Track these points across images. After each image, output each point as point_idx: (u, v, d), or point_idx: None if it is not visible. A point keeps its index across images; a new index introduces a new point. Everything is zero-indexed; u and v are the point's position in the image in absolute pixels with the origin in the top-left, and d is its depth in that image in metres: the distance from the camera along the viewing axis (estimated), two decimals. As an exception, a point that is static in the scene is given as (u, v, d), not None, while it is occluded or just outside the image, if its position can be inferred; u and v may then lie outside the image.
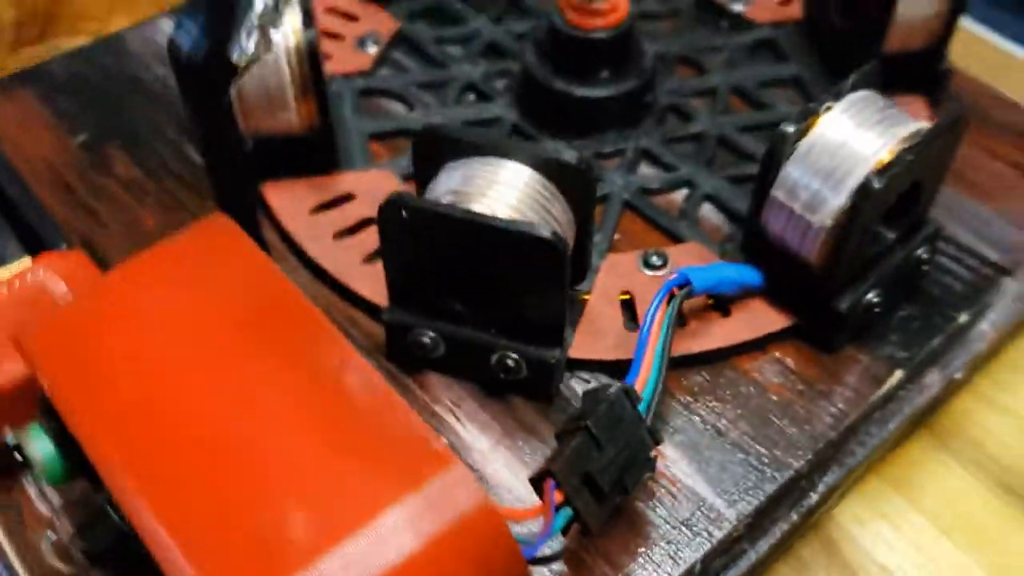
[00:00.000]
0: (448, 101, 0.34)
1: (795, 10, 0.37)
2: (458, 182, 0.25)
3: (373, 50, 0.36)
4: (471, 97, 0.35)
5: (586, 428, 0.22)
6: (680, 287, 0.26)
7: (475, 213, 0.24)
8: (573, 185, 0.26)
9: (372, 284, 0.29)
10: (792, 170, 0.26)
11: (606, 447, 0.22)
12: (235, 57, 0.22)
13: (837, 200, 0.25)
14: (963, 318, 0.29)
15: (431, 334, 0.26)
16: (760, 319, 0.28)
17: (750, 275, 0.28)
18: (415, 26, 0.37)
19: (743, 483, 0.26)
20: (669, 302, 0.26)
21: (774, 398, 0.27)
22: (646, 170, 0.33)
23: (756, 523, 0.25)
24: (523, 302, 0.25)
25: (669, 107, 0.34)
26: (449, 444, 0.26)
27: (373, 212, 0.25)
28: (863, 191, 0.25)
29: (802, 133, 0.26)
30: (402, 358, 0.28)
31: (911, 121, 0.26)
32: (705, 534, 0.25)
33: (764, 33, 0.37)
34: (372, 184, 0.32)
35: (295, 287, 0.22)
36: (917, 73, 0.33)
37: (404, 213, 0.24)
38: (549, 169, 0.25)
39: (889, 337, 0.28)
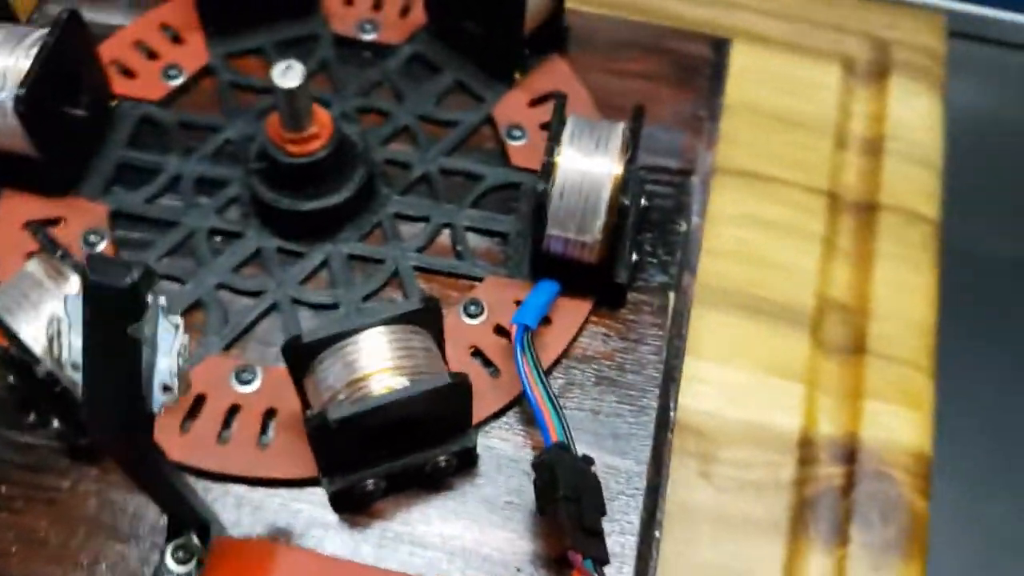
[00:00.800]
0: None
1: (418, 17, 0.42)
2: (344, 374, 0.29)
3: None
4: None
5: (563, 497, 0.29)
6: (524, 333, 0.33)
7: (389, 395, 0.28)
8: (424, 317, 0.31)
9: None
10: (557, 210, 0.33)
11: (580, 497, 0.29)
12: (155, 409, 0.24)
13: (598, 220, 0.33)
14: (683, 226, 0.38)
15: (371, 481, 0.31)
16: (572, 314, 0.35)
17: (551, 288, 0.35)
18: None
19: (635, 440, 0.34)
20: (525, 352, 0.32)
21: (608, 363, 0.35)
22: (406, 230, 0.37)
23: (655, 460, 0.34)
24: (439, 424, 0.31)
25: (385, 162, 0.38)
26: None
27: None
28: (621, 209, 0.32)
29: (549, 179, 0.32)
30: (348, 508, 0.32)
31: (613, 129, 0.33)
32: (632, 492, 0.33)
33: (406, 52, 0.41)
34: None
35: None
36: (547, 38, 0.40)
37: (334, 425, 0.28)
38: (405, 318, 0.30)
39: (650, 272, 0.37)
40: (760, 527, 0.38)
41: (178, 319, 0.24)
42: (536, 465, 0.30)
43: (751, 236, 0.43)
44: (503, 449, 0.33)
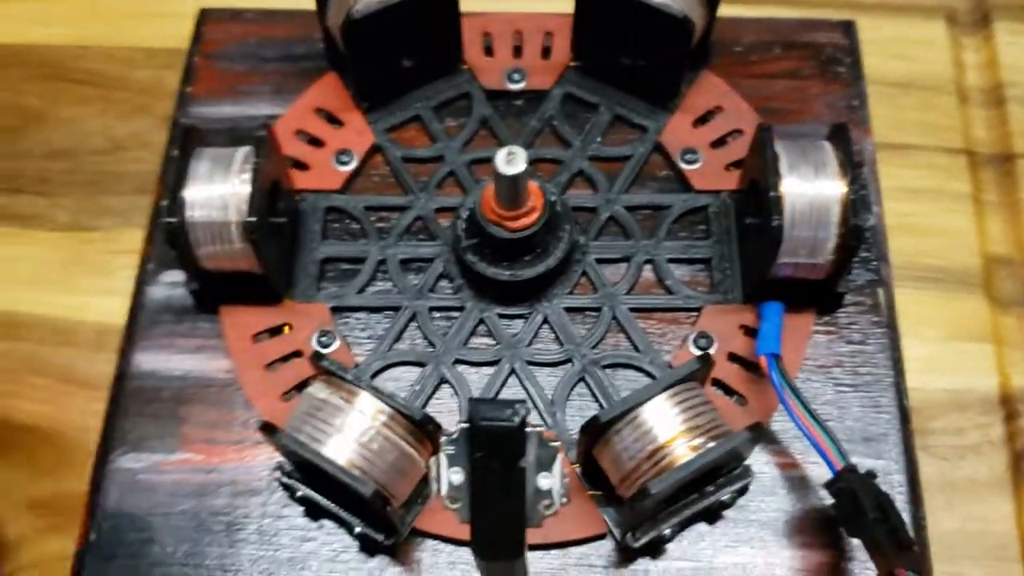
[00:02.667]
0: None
1: (561, 57, 0.42)
2: (644, 442, 0.31)
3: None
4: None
5: (874, 520, 0.30)
6: (776, 364, 0.34)
7: (698, 458, 0.30)
8: (700, 372, 0.32)
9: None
10: (788, 240, 0.34)
11: (887, 515, 0.31)
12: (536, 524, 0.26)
13: (830, 243, 0.34)
14: (870, 219, 0.39)
15: (669, 530, 0.33)
16: (799, 329, 0.37)
17: (778, 310, 0.36)
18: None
19: (886, 439, 0.36)
20: (784, 384, 0.34)
21: (840, 369, 0.37)
22: (610, 272, 0.38)
23: (907, 454, 0.36)
24: (727, 467, 0.32)
25: (572, 209, 0.39)
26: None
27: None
28: (854, 230, 0.33)
29: (779, 213, 0.33)
30: (645, 555, 0.34)
31: (823, 148, 0.35)
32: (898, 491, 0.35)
33: (558, 94, 0.42)
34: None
35: None
36: (697, 55, 0.41)
37: (656, 497, 0.30)
38: (686, 378, 0.31)
39: (855, 271, 0.38)
40: (985, 487, 0.39)
41: (558, 443, 0.25)
42: (835, 493, 0.31)
43: (906, 207, 0.44)
44: (764, 471, 0.35)
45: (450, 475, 0.25)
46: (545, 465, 0.25)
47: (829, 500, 0.34)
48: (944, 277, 0.43)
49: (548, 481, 0.25)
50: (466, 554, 0.34)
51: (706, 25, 0.39)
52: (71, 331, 0.41)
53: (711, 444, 0.30)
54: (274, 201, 0.36)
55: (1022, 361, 0.42)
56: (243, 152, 0.35)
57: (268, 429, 0.31)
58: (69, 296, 0.42)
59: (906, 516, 0.34)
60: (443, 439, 0.25)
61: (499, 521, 0.25)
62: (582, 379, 0.36)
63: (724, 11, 0.42)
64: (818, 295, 0.37)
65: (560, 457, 0.25)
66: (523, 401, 0.24)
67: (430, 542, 0.34)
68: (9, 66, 0.48)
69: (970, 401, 0.41)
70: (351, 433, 0.30)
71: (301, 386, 0.36)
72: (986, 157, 0.46)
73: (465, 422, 0.24)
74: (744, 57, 0.42)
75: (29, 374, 0.41)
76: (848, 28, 0.44)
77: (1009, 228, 0.44)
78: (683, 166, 0.40)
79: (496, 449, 0.24)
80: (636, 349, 0.36)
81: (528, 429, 0.24)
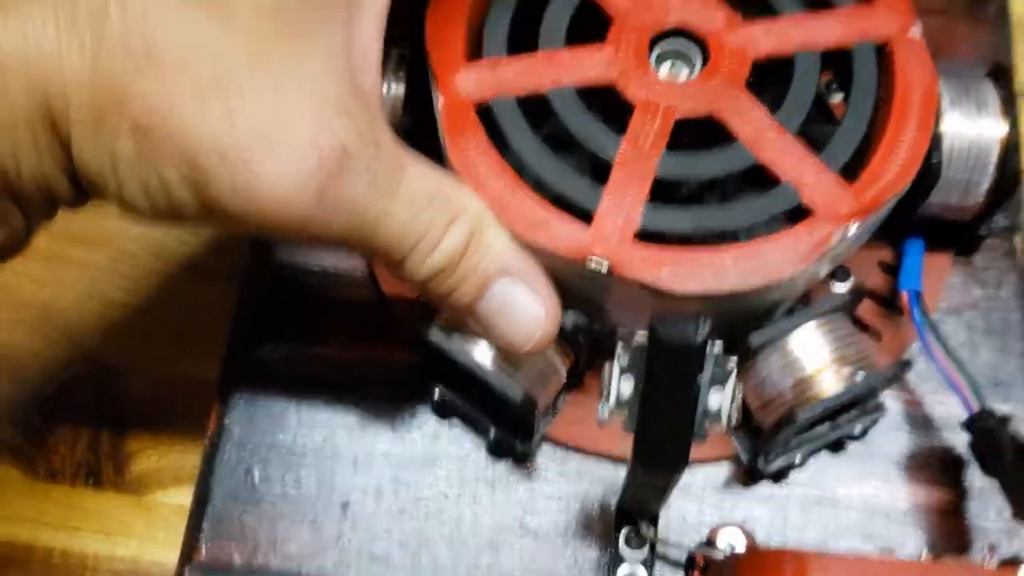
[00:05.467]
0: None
1: None
2: (791, 371, 0.31)
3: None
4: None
5: (1015, 462, 0.31)
6: (919, 301, 0.34)
7: (850, 389, 0.30)
8: (851, 303, 0.32)
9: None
10: (945, 178, 0.33)
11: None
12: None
13: (984, 185, 0.33)
14: (1012, 165, 0.39)
15: (798, 456, 0.33)
16: (936, 270, 0.36)
17: (920, 248, 0.36)
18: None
19: (1016, 385, 0.36)
20: (926, 322, 0.34)
21: (974, 312, 0.37)
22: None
23: None
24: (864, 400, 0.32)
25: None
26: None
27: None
28: (1012, 176, 0.33)
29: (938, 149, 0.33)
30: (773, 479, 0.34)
31: (986, 87, 0.34)
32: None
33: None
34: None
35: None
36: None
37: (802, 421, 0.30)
38: (839, 309, 0.32)
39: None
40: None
41: (733, 361, 0.25)
42: (976, 433, 0.32)
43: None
44: (892, 407, 0.35)
45: (620, 384, 0.25)
46: (719, 382, 0.25)
47: (953, 440, 0.34)
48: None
49: (719, 399, 0.25)
50: (594, 464, 0.35)
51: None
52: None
53: (861, 375, 0.30)
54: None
55: None
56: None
57: (418, 325, 0.31)
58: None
59: (1034, 462, 0.34)
60: (619, 347, 0.25)
61: (668, 434, 0.25)
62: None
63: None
64: (959, 236, 0.36)
65: (734, 377, 0.25)
66: (704, 318, 0.24)
67: (559, 451, 0.35)
68: None
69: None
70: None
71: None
72: None
73: (647, 334, 0.24)
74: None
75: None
76: (998, -31, 0.42)
77: None
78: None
79: (675, 364, 0.24)
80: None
81: (709, 347, 0.24)
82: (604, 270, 0.29)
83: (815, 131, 0.31)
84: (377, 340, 0.36)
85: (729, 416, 0.25)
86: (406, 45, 0.33)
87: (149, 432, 0.40)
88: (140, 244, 0.43)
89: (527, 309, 0.28)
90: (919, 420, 0.35)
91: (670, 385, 0.24)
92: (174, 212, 0.26)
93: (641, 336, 0.24)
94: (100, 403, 0.40)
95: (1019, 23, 0.44)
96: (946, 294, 0.37)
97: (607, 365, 0.25)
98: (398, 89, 0.33)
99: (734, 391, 0.25)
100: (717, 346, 0.25)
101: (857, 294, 0.32)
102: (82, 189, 0.26)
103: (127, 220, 0.27)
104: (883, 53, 0.32)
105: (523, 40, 0.32)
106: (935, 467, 0.35)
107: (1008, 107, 0.33)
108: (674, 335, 0.24)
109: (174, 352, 0.41)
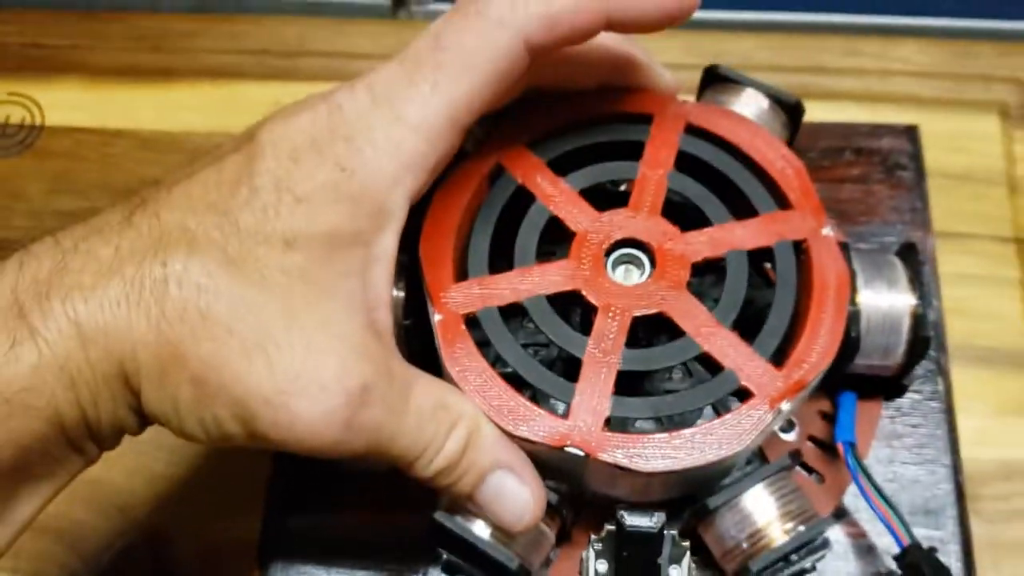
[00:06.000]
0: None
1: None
2: (744, 526, 0.37)
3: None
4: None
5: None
6: (852, 451, 0.40)
7: (793, 540, 0.36)
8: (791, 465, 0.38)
9: None
10: (865, 346, 0.39)
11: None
12: None
13: (901, 347, 0.39)
14: (932, 314, 0.45)
15: None
16: (869, 416, 0.42)
17: (852, 399, 0.42)
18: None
19: (944, 512, 0.41)
20: (859, 469, 0.40)
21: (903, 448, 0.43)
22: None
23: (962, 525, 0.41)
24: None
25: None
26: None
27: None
28: (922, 340, 0.39)
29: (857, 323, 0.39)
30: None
31: (893, 263, 0.40)
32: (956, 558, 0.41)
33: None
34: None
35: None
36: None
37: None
38: (781, 470, 0.37)
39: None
40: (1028, 548, 0.45)
41: (686, 543, 0.31)
42: (904, 567, 0.37)
43: (959, 293, 0.50)
44: (838, 540, 0.41)
45: (597, 565, 0.31)
46: (676, 560, 0.31)
47: (891, 566, 0.40)
48: (994, 357, 0.49)
49: (677, 573, 0.31)
50: (585, 610, 0.40)
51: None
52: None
53: (802, 528, 0.36)
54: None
55: (1064, 435, 0.47)
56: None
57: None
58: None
59: (962, 580, 0.40)
60: (592, 537, 0.31)
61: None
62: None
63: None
64: (886, 385, 0.42)
65: (688, 554, 0.31)
66: (661, 512, 0.30)
67: (554, 600, 0.40)
68: (167, 151, 0.54)
69: (1017, 470, 0.46)
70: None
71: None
72: (1033, 245, 0.51)
73: (613, 525, 0.30)
74: (818, 162, 0.48)
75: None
76: (912, 134, 0.49)
77: (1054, 313, 0.50)
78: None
79: (639, 548, 0.30)
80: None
81: (666, 532, 0.30)
82: (582, 456, 0.35)
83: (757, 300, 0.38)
84: (391, 508, 0.42)
85: (686, 585, 0.31)
86: (404, 255, 0.40)
87: (199, 592, 0.45)
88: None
89: (517, 496, 0.34)
90: (863, 549, 0.41)
91: (636, 565, 0.30)
92: (225, 440, 0.32)
93: (610, 526, 0.30)
94: (154, 567, 0.46)
95: (931, 172, 0.51)
96: (879, 433, 0.43)
97: (582, 554, 0.31)
98: (398, 295, 0.39)
99: (690, 567, 0.31)
100: (673, 530, 0.31)
101: (795, 457, 0.37)
102: (147, 422, 0.33)
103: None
104: (800, 250, 0.38)
105: (500, 259, 0.38)
106: (875, 592, 0.40)
107: (915, 283, 0.39)
108: (637, 525, 0.29)
109: (216, 518, 0.46)
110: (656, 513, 0.29)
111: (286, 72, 0.57)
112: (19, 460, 0.30)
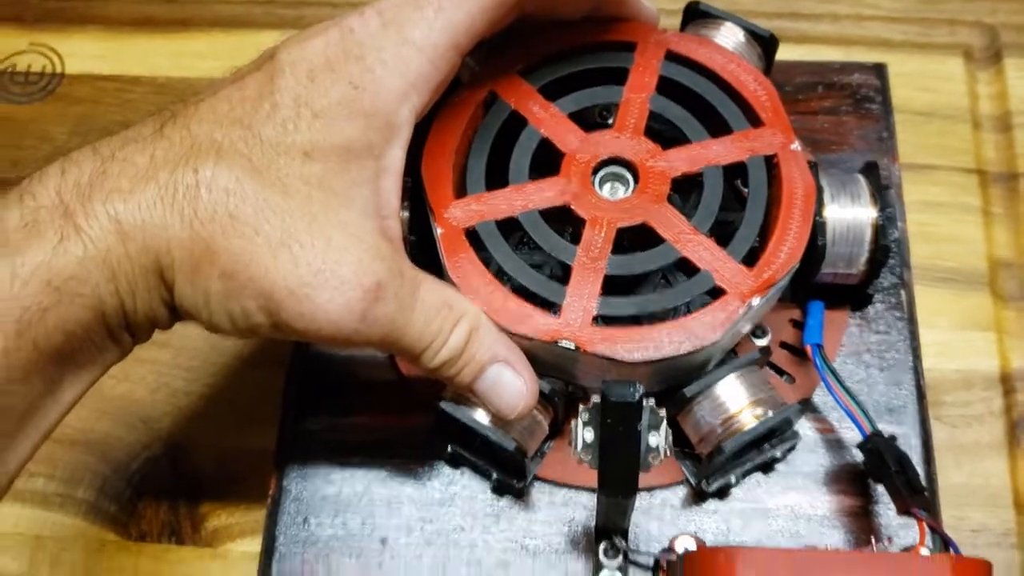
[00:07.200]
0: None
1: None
2: (719, 413, 0.40)
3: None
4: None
5: (895, 472, 0.40)
6: (820, 352, 0.44)
7: (762, 423, 0.40)
8: (762, 358, 0.42)
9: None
10: (830, 256, 0.43)
11: (905, 469, 0.40)
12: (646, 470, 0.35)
13: (863, 257, 0.43)
14: (895, 233, 0.49)
15: (734, 477, 0.43)
16: (837, 323, 0.46)
17: (820, 307, 0.45)
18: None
19: (906, 410, 0.45)
20: (826, 367, 0.43)
21: (870, 354, 0.46)
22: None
23: (923, 423, 0.45)
24: (780, 430, 0.42)
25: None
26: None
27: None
28: (883, 248, 0.42)
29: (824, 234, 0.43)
30: (717, 497, 0.44)
31: (858, 181, 0.44)
32: (916, 451, 0.44)
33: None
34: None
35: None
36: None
37: (729, 454, 0.39)
38: (753, 362, 0.41)
39: (883, 275, 0.48)
40: (986, 449, 0.49)
41: (663, 412, 0.35)
42: (866, 451, 0.41)
43: (926, 218, 0.53)
44: (808, 434, 0.45)
45: (584, 434, 0.35)
46: (654, 427, 0.35)
47: (860, 457, 0.43)
48: (956, 277, 0.52)
49: (656, 439, 0.35)
50: (575, 495, 0.44)
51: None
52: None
53: (770, 413, 0.40)
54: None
55: (1019, 347, 0.51)
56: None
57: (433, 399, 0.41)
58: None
59: (921, 471, 0.43)
60: (580, 407, 0.35)
61: (620, 468, 0.34)
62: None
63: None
64: (852, 296, 0.46)
65: (664, 422, 0.35)
66: (639, 382, 0.33)
67: (548, 487, 0.44)
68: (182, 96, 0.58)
69: (975, 379, 0.50)
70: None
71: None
72: (994, 176, 0.55)
73: (599, 397, 0.33)
74: (793, 96, 0.52)
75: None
76: (880, 70, 0.53)
77: (1012, 237, 0.53)
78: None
79: (620, 416, 0.33)
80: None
81: (645, 403, 0.34)
82: (572, 348, 0.38)
83: (730, 214, 0.41)
84: (399, 410, 0.46)
85: (664, 451, 0.35)
86: (408, 178, 0.43)
87: (219, 496, 0.49)
88: (197, 342, 0.52)
89: (512, 386, 0.38)
90: (831, 443, 0.45)
91: (619, 432, 0.34)
92: (251, 331, 0.35)
93: (596, 397, 0.34)
94: (176, 475, 0.49)
95: (900, 109, 0.54)
96: (847, 340, 0.46)
97: (573, 420, 0.35)
98: (404, 214, 0.43)
99: (666, 433, 0.35)
100: (651, 401, 0.34)
101: (765, 352, 0.41)
102: (177, 316, 0.36)
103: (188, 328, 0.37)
104: (771, 164, 0.42)
105: (496, 178, 0.42)
106: (845, 479, 0.44)
107: (876, 196, 0.43)
108: (619, 396, 0.33)
109: (234, 429, 0.50)
110: (636, 384, 0.32)
111: (292, 20, 0.60)
112: (66, 346, 0.33)
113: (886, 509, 0.43)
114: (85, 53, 0.60)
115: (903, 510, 0.40)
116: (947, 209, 0.54)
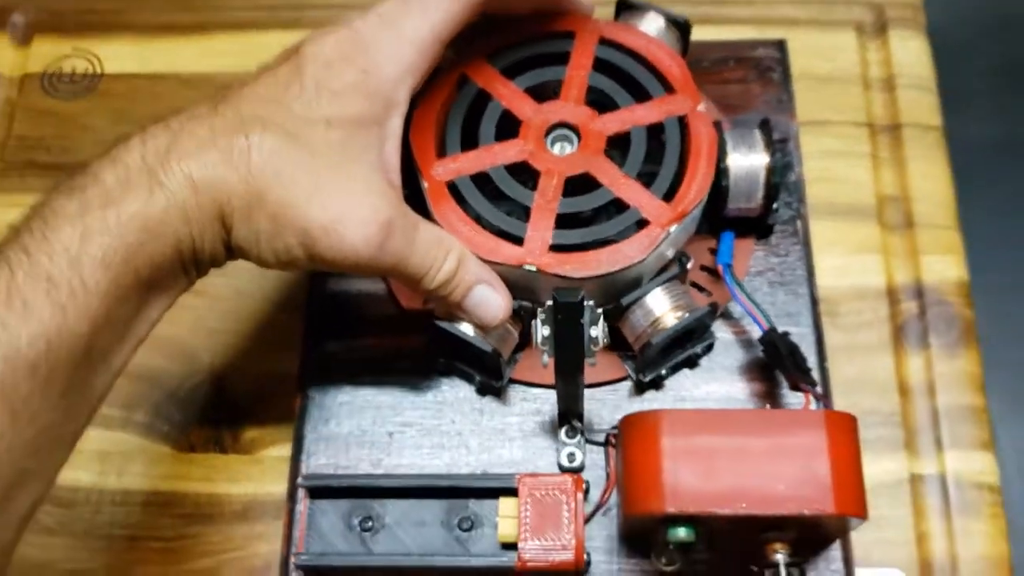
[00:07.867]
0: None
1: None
2: (650, 316, 0.52)
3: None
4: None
5: (787, 354, 0.51)
6: (729, 269, 0.55)
7: (682, 321, 0.51)
8: (681, 275, 0.53)
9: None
10: (734, 194, 0.55)
11: (794, 353, 0.52)
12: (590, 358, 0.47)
13: (759, 193, 0.55)
14: (793, 175, 0.60)
15: (664, 371, 0.54)
16: (745, 249, 0.58)
17: (731, 236, 0.57)
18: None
19: (801, 315, 0.57)
20: (733, 280, 0.55)
21: (772, 273, 0.58)
22: (626, 218, 0.60)
23: (815, 324, 0.57)
24: (697, 331, 0.54)
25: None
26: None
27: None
28: (774, 186, 0.54)
29: (727, 176, 0.54)
30: (652, 388, 0.55)
31: (754, 134, 0.55)
32: (808, 344, 0.56)
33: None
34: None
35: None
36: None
37: (658, 346, 0.51)
38: (674, 278, 0.53)
39: (782, 209, 0.59)
40: (875, 348, 0.60)
41: (600, 311, 0.46)
42: (764, 343, 0.53)
43: (825, 164, 0.64)
44: (724, 336, 0.56)
45: (542, 330, 0.46)
46: (594, 322, 0.46)
47: (760, 352, 0.55)
48: (851, 211, 0.64)
49: (596, 331, 0.46)
50: (542, 393, 0.55)
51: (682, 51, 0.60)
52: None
53: (687, 315, 0.51)
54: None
55: (902, 266, 0.62)
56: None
57: (428, 322, 0.52)
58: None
59: (815, 363, 0.55)
60: (538, 310, 0.46)
61: (570, 353, 0.46)
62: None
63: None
64: (757, 227, 0.58)
65: (601, 318, 0.46)
66: (582, 289, 0.45)
67: (520, 387, 0.56)
68: (204, 88, 0.69)
69: (867, 293, 0.61)
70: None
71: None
72: (881, 127, 0.66)
73: (551, 300, 0.45)
74: (709, 69, 0.63)
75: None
76: (780, 45, 0.64)
77: (896, 177, 0.65)
78: (670, 145, 0.60)
79: (568, 314, 0.45)
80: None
81: (587, 302, 0.45)
82: (534, 270, 0.50)
83: (652, 164, 0.53)
84: (399, 334, 0.57)
85: (602, 340, 0.46)
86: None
87: (254, 411, 0.60)
88: (226, 290, 0.63)
89: (492, 301, 0.50)
90: (744, 343, 0.56)
91: (567, 326, 0.45)
92: (291, 263, 0.46)
93: (550, 302, 0.45)
94: (217, 397, 0.60)
95: (799, 77, 0.66)
96: (754, 263, 0.58)
97: (533, 321, 0.46)
98: (396, 174, 0.54)
99: (603, 327, 0.46)
100: (591, 303, 0.46)
101: (682, 270, 0.53)
102: (231, 255, 0.47)
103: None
104: (683, 123, 0.53)
105: (469, 141, 0.53)
106: (754, 370, 0.56)
107: (769, 146, 0.54)
108: (566, 298, 0.44)
109: (262, 358, 0.61)
110: (579, 289, 0.44)
111: (292, 22, 0.71)
112: (153, 275, 0.44)
113: (786, 391, 0.55)
114: (121, 55, 0.71)
115: (794, 386, 0.52)
116: (842, 156, 0.65)
